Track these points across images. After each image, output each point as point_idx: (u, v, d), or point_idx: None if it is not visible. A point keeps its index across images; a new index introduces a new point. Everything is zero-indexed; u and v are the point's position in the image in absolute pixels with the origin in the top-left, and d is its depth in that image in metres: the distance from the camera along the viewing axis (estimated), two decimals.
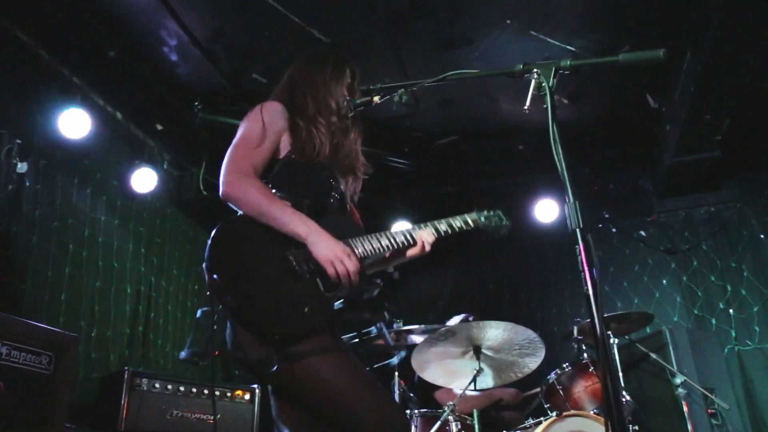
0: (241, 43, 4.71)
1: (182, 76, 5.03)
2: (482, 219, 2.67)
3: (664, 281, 6.04)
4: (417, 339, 4.06)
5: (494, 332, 3.68)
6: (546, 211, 5.96)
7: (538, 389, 4.30)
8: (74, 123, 4.54)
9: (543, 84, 1.81)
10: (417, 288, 6.72)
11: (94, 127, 4.69)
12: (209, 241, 2.13)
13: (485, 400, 4.52)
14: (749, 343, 5.53)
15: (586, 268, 1.48)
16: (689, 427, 4.45)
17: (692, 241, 6.06)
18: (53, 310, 4.35)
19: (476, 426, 3.66)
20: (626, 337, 4.81)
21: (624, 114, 5.57)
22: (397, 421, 2.11)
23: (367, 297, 2.35)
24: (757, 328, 5.54)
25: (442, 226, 2.56)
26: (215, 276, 2.06)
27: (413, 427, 3.90)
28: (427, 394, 4.84)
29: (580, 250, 1.51)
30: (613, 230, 6.31)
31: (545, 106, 1.76)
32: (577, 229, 1.55)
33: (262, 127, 2.34)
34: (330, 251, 2.18)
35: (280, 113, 2.42)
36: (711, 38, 4.07)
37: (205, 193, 5.58)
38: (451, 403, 3.65)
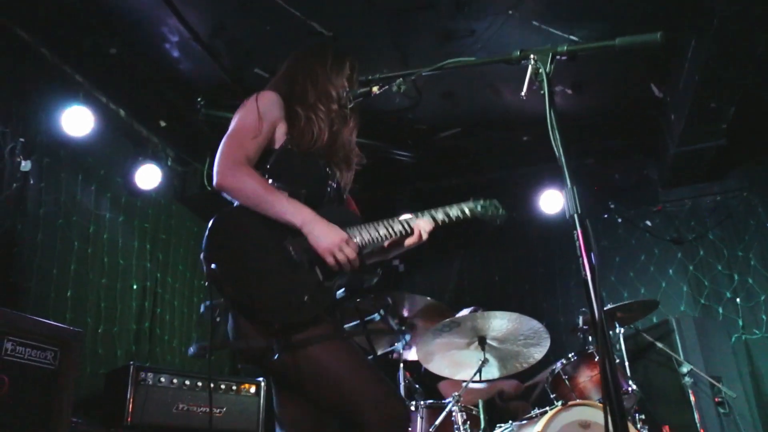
0: (242, 38, 4.71)
1: (184, 72, 5.04)
2: (478, 208, 2.67)
3: (671, 271, 6.02)
4: (420, 323, 4.08)
5: (499, 323, 3.67)
6: (551, 201, 5.95)
7: (540, 377, 4.29)
8: (77, 121, 4.55)
9: (540, 70, 1.80)
10: (422, 281, 6.72)
11: (97, 125, 4.70)
12: (206, 232, 2.12)
13: (486, 391, 4.53)
14: (756, 331, 5.51)
15: (584, 254, 1.47)
16: (696, 415, 4.45)
17: (698, 231, 6.04)
18: (59, 307, 4.38)
19: (481, 416, 3.66)
20: (632, 326, 4.80)
21: (628, 104, 5.54)
22: (396, 409, 2.12)
23: (367, 285, 2.34)
24: (764, 317, 5.52)
25: (439, 215, 2.55)
26: (213, 266, 2.06)
27: (419, 418, 3.91)
28: (433, 386, 4.86)
29: (578, 236, 1.51)
30: (619, 220, 6.29)
31: (542, 92, 1.75)
32: (575, 215, 1.55)
33: (257, 117, 2.33)
34: (328, 239, 2.18)
35: (276, 103, 2.41)
36: (715, 26, 4.04)
37: (209, 188, 5.59)
38: (456, 394, 3.66)
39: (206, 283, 2.11)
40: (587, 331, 4.47)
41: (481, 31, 4.59)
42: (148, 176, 5.18)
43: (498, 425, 4.15)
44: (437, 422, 3.57)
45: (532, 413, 3.90)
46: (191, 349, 2.20)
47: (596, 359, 4.23)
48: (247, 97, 2.45)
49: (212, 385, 4.21)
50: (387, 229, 2.41)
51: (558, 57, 1.84)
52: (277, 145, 2.40)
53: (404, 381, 4.18)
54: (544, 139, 1.73)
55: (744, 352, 5.46)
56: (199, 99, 5.15)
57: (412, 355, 4.22)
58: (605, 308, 4.41)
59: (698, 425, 4.45)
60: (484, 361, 3.69)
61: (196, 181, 5.75)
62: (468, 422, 3.72)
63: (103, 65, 4.75)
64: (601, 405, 3.73)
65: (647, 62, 5.01)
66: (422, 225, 2.47)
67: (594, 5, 4.40)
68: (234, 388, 4.35)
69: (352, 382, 2.11)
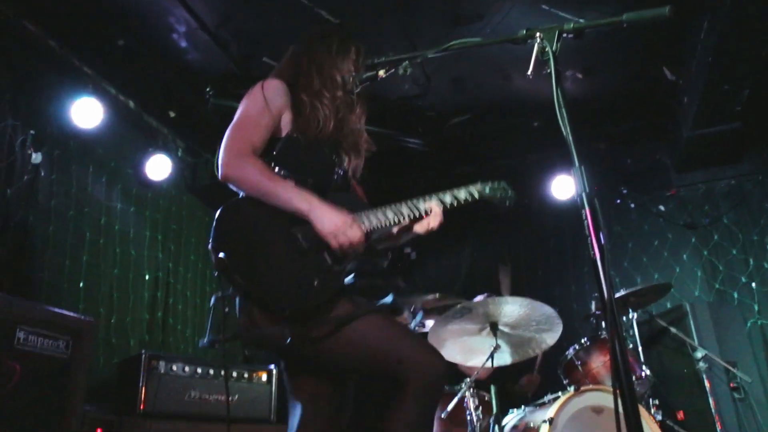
0: (250, 27, 4.69)
1: (192, 63, 5.03)
2: (487, 190, 2.62)
3: (685, 256, 5.97)
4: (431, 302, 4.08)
5: (511, 308, 3.65)
6: (562, 187, 5.91)
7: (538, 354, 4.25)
8: (87, 112, 4.57)
9: (546, 49, 1.78)
10: (434, 268, 6.70)
11: (107, 116, 4.72)
12: (214, 222, 2.14)
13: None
14: None
15: (592, 233, 1.45)
16: (711, 401, 4.42)
17: (713, 215, 5.97)
18: (72, 297, 4.40)
19: (494, 402, 3.65)
20: (646, 311, 4.76)
21: (640, 87, 5.48)
22: (438, 370, 2.13)
23: (378, 269, 2.34)
24: None
25: (447, 198, 2.50)
26: (221, 255, 2.06)
27: None
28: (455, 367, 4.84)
29: (586, 215, 1.48)
30: (632, 206, 6.23)
31: (549, 69, 1.72)
32: (583, 194, 1.52)
33: (262, 106, 2.33)
34: (331, 224, 2.17)
35: (281, 91, 2.40)
36: (728, 7, 3.98)
37: (220, 178, 5.58)
38: (468, 380, 3.65)
39: (216, 274, 2.12)
40: (600, 317, 4.45)
41: (490, 16, 4.55)
42: (158, 167, 5.20)
43: (510, 410, 4.15)
44: (449, 408, 3.56)
45: (545, 399, 3.90)
46: (203, 341, 2.21)
47: (609, 349, 4.21)
48: (253, 85, 2.45)
49: (223, 372, 4.22)
50: (395, 214, 2.39)
51: (564, 35, 1.81)
52: (282, 134, 2.39)
53: None
54: (555, 124, 1.70)
55: (759, 337, 5.41)
56: (207, 89, 5.14)
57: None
58: (618, 295, 4.41)
59: (713, 410, 4.41)
60: (496, 347, 3.67)
61: (206, 172, 5.75)
62: (480, 408, 3.71)
63: (111, 57, 4.75)
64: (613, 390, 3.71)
65: (659, 45, 4.94)
66: (431, 208, 2.44)
67: None
68: (246, 375, 4.37)
69: (393, 346, 2.13)
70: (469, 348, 3.91)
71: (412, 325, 2.52)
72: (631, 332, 4.55)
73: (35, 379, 3.03)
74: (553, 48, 1.77)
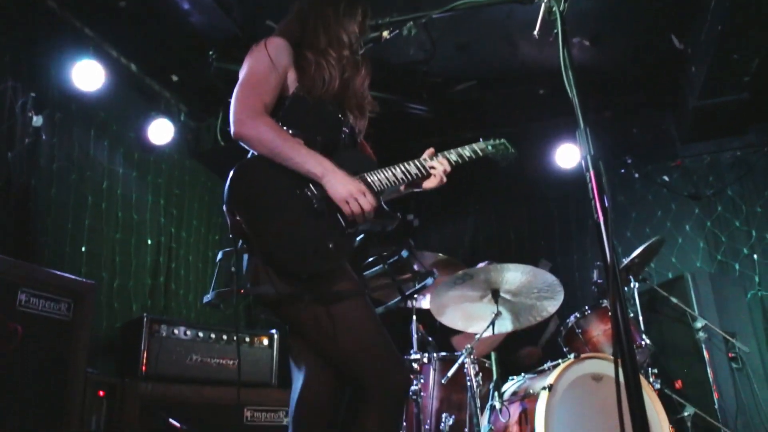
0: None
1: (195, 25, 4.95)
2: (489, 148, 2.70)
3: (688, 227, 5.95)
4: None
5: (513, 275, 3.64)
6: (567, 156, 5.87)
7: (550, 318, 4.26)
8: (88, 75, 4.52)
9: (553, 8, 1.74)
10: (437, 235, 6.70)
11: (109, 79, 4.67)
12: (227, 183, 2.11)
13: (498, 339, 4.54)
14: None
15: (596, 196, 1.43)
16: (709, 370, 4.44)
17: (717, 186, 5.94)
18: (74, 261, 4.41)
19: (494, 369, 3.66)
20: (647, 282, 4.76)
21: (648, 56, 5.40)
22: (399, 381, 2.18)
23: (387, 230, 2.34)
24: None
25: (453, 156, 2.57)
26: (238, 217, 2.05)
27: (432, 370, 3.92)
28: (447, 340, 4.87)
29: (590, 177, 1.46)
30: (636, 175, 6.20)
31: (555, 30, 1.68)
32: (588, 156, 1.50)
33: (268, 63, 2.30)
34: (345, 190, 2.17)
35: (285, 49, 2.38)
36: None
37: (222, 143, 5.56)
38: (469, 346, 3.65)
39: (231, 235, 2.12)
40: (602, 286, 4.45)
41: None
42: (160, 131, 5.16)
43: (510, 377, 4.17)
44: (450, 374, 3.58)
45: (545, 366, 3.91)
46: (207, 297, 2.20)
47: (610, 313, 4.21)
48: (255, 44, 2.41)
49: (225, 337, 4.24)
50: (403, 172, 2.41)
51: None
52: (288, 93, 2.37)
53: (417, 333, 4.19)
54: (560, 93, 1.68)
55: (759, 308, 5.42)
56: (210, 52, 5.07)
57: (425, 303, 4.23)
58: (620, 265, 4.40)
59: (711, 380, 4.44)
60: (497, 314, 3.67)
61: (209, 136, 5.71)
62: (480, 374, 3.72)
63: (112, 19, 4.69)
64: (613, 358, 3.72)
65: (668, 12, 4.86)
66: (438, 166, 2.48)
67: None
68: (247, 340, 4.39)
69: (365, 346, 2.16)
70: (470, 315, 3.92)
71: (430, 280, 2.56)
72: (632, 301, 4.55)
73: (37, 341, 3.04)
74: (560, 7, 1.73)
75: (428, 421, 3.79)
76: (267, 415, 4.17)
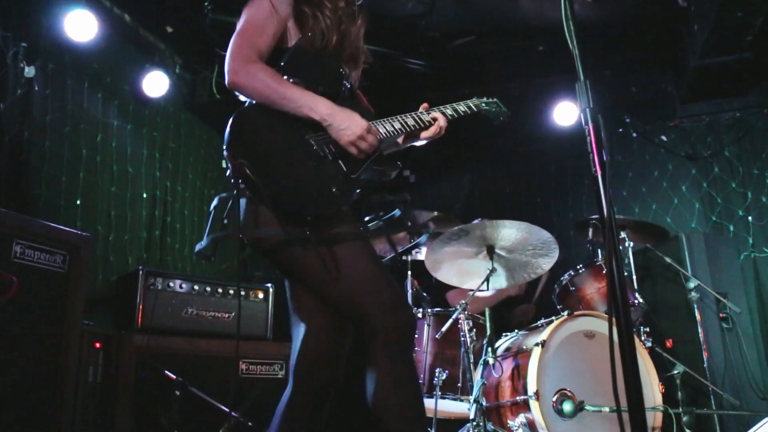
0: None
1: None
2: (483, 105, 2.74)
3: (684, 187, 5.95)
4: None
5: (508, 232, 3.64)
6: (565, 113, 5.83)
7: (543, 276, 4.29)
8: (81, 25, 4.41)
9: None
10: (433, 191, 6.69)
11: (102, 30, 4.57)
12: (228, 128, 2.09)
13: (495, 297, 4.57)
14: (766, 250, 5.49)
15: (594, 149, 1.41)
16: (699, 330, 4.48)
17: (715, 147, 5.92)
18: (69, 214, 4.38)
19: (488, 325, 3.69)
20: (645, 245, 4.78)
21: (650, 14, 5.32)
22: (404, 318, 2.17)
23: (387, 178, 2.36)
24: None
25: (449, 111, 2.59)
26: (241, 160, 2.03)
27: (426, 326, 3.95)
28: (441, 295, 4.90)
29: (589, 130, 1.44)
30: (634, 135, 6.17)
31: None
32: (587, 109, 1.48)
33: (268, 13, 2.27)
34: (350, 131, 2.18)
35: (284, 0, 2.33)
36: None
37: (218, 96, 5.49)
38: (463, 302, 3.67)
39: (231, 180, 2.10)
40: (596, 244, 4.46)
41: None
42: (155, 84, 5.08)
43: (504, 334, 4.21)
44: (444, 329, 3.61)
45: (538, 323, 3.94)
46: (201, 243, 2.18)
47: (604, 271, 4.23)
48: None
49: (220, 290, 4.25)
50: (402, 124, 2.42)
51: None
52: (288, 44, 2.34)
53: (412, 289, 4.21)
54: (560, 49, 1.65)
55: (752, 269, 5.46)
56: (206, 3, 4.97)
57: (421, 256, 4.24)
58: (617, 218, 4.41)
59: (701, 339, 4.49)
60: (492, 271, 3.68)
61: (205, 89, 5.64)
62: (474, 330, 3.75)
63: None
64: (606, 316, 3.75)
65: None
66: (437, 118, 2.51)
67: None
68: (243, 293, 4.41)
69: (366, 286, 2.15)
70: (465, 271, 3.93)
71: (424, 238, 2.59)
72: (626, 261, 4.57)
73: (33, 293, 3.03)
74: None
75: (422, 375, 3.84)
76: (262, 368, 4.21)
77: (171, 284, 4.07)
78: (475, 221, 3.75)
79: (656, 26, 5.47)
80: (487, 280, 3.67)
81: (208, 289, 4.21)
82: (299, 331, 2.32)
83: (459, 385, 3.81)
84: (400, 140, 2.57)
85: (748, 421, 3.93)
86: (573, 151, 6.18)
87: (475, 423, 3.28)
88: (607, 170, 1.40)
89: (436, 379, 3.72)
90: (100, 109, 4.82)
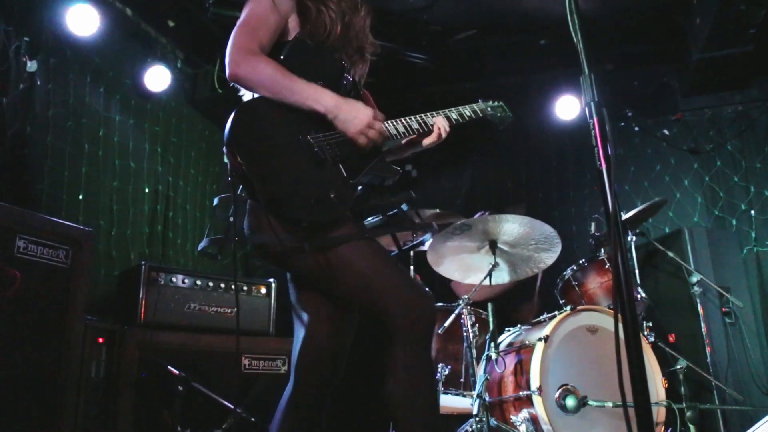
0: None
1: None
2: (488, 109, 2.71)
3: (686, 181, 5.93)
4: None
5: (511, 226, 3.63)
6: (567, 108, 5.81)
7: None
8: (82, 20, 4.40)
9: None
10: (434, 186, 6.67)
11: (104, 24, 4.56)
12: (229, 124, 2.05)
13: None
14: None
15: (599, 143, 1.40)
16: (702, 324, 4.47)
17: (717, 141, 5.89)
18: (72, 209, 4.37)
19: (491, 319, 3.68)
20: (644, 236, 4.76)
21: (651, 7, 5.29)
22: (423, 308, 2.12)
23: (388, 183, 2.32)
24: None
25: (453, 114, 2.56)
26: (239, 159, 2.00)
27: None
28: (447, 284, 4.88)
29: (593, 124, 1.43)
30: (636, 129, 6.15)
31: None
32: (591, 103, 1.46)
33: (269, 6, 2.24)
34: (356, 121, 2.16)
35: None
36: None
37: (220, 91, 5.48)
38: (466, 296, 3.67)
39: (230, 178, 2.06)
40: (599, 238, 4.45)
41: None
42: (157, 78, 5.07)
43: (507, 328, 4.20)
44: (446, 324, 3.60)
45: (541, 318, 3.93)
46: (202, 244, 2.17)
47: (607, 266, 4.22)
48: None
49: (223, 285, 4.24)
50: (405, 127, 2.38)
51: None
52: (290, 37, 2.31)
53: None
54: (562, 43, 1.64)
55: (754, 263, 5.44)
56: None
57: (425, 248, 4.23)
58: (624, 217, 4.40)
59: (704, 334, 4.47)
60: (495, 265, 3.67)
61: (206, 84, 5.62)
62: (477, 325, 3.75)
63: None
64: (609, 311, 3.74)
65: None
66: (440, 123, 2.47)
67: None
68: (245, 288, 4.40)
69: (380, 281, 2.11)
70: (467, 265, 3.92)
71: (429, 236, 2.58)
72: (628, 255, 4.55)
73: (36, 288, 3.03)
74: None
75: None
76: (265, 363, 4.20)
77: (173, 279, 4.07)
78: (478, 215, 3.74)
79: (658, 19, 5.43)
80: (489, 274, 3.66)
81: (211, 284, 4.21)
82: (300, 327, 2.32)
83: (462, 380, 3.81)
84: (403, 142, 2.55)
85: (752, 417, 3.92)
86: (575, 145, 6.17)
87: (478, 418, 3.27)
88: (613, 165, 1.38)
89: (438, 374, 3.71)
90: (102, 103, 4.80)
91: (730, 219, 5.67)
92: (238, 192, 2.16)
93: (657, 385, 3.62)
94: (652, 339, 4.04)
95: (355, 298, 2.21)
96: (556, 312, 3.82)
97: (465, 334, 3.73)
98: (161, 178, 5.24)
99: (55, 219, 3.28)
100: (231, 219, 2.18)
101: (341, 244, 2.11)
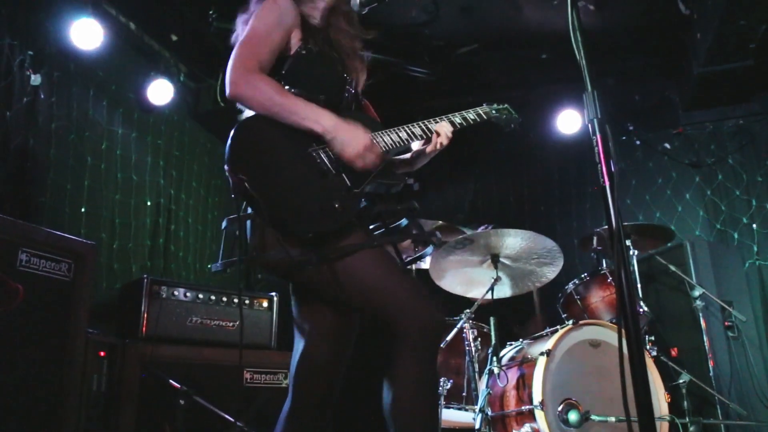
0: None
1: None
2: (493, 112, 2.69)
3: (688, 195, 5.93)
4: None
5: (513, 241, 3.64)
6: (569, 122, 5.83)
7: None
8: (86, 34, 4.43)
9: None
10: (437, 199, 6.68)
11: (107, 38, 4.59)
12: (229, 142, 2.07)
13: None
14: None
15: (602, 159, 1.41)
16: (705, 338, 4.46)
17: (718, 155, 5.91)
18: (74, 222, 4.39)
19: (492, 334, 3.68)
20: (649, 251, 4.77)
21: (652, 21, 5.33)
22: (432, 318, 2.10)
23: (393, 192, 2.33)
24: None
25: (457, 119, 2.55)
26: (241, 176, 2.01)
27: None
28: (448, 303, 4.88)
29: (597, 141, 1.44)
30: (637, 143, 6.16)
31: None
32: (594, 120, 1.47)
33: (272, 23, 2.26)
34: (351, 147, 2.15)
35: (291, 9, 2.34)
36: None
37: (222, 105, 5.51)
38: (468, 311, 3.67)
39: (233, 196, 2.07)
40: (601, 252, 4.45)
41: None
42: (160, 92, 5.09)
43: (509, 343, 4.19)
44: (448, 338, 3.60)
45: (543, 332, 3.93)
46: (216, 265, 2.17)
47: (609, 280, 4.22)
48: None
49: (225, 299, 4.24)
50: (408, 133, 2.39)
51: None
52: (292, 51, 2.33)
53: None
54: (563, 57, 1.65)
55: (756, 277, 5.43)
56: (211, 12, 4.99)
57: (425, 265, 4.24)
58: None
59: (706, 348, 4.46)
60: (497, 279, 3.68)
61: (209, 98, 5.66)
62: (479, 339, 3.75)
63: None
64: (611, 325, 3.74)
65: None
66: (443, 128, 2.46)
67: None
68: (247, 302, 4.40)
69: (389, 290, 2.10)
70: (469, 279, 3.93)
71: (430, 250, 2.57)
72: (630, 269, 4.55)
73: (38, 301, 3.03)
74: None
75: None
76: (266, 377, 4.20)
77: (175, 293, 4.07)
78: (481, 229, 3.75)
79: (659, 34, 5.47)
80: (491, 288, 3.66)
81: (213, 297, 4.21)
82: (300, 340, 2.31)
83: (464, 394, 3.80)
84: (409, 155, 2.57)
85: None
86: (576, 159, 6.18)
87: None
88: (616, 181, 1.39)
89: (440, 388, 3.71)
90: (105, 116, 4.83)
91: (732, 232, 5.67)
92: (245, 209, 2.16)
93: (660, 400, 3.61)
94: (654, 353, 4.03)
95: (362, 307, 2.20)
96: (558, 326, 3.81)
97: (467, 348, 3.73)
98: (163, 192, 5.26)
99: (58, 232, 3.28)
100: (237, 233, 2.18)
101: (348, 254, 2.10)
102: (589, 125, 1.49)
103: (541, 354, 3.52)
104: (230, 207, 2.16)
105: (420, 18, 5.10)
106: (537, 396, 3.40)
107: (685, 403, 3.85)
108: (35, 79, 4.23)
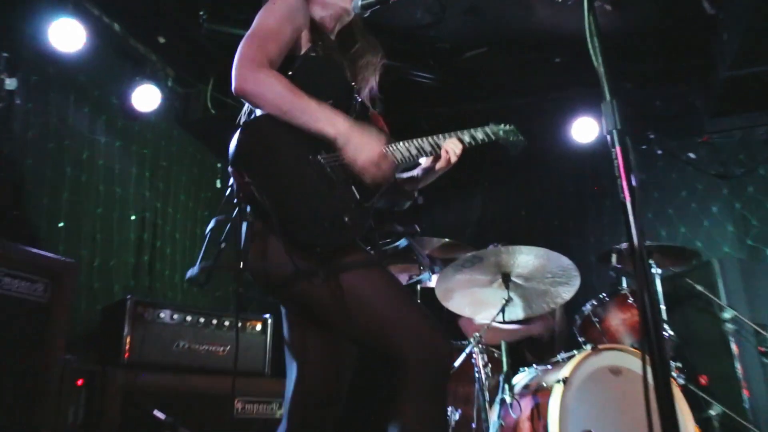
0: None
1: None
2: (501, 132, 2.71)
3: (715, 209, 5.91)
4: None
5: (525, 259, 3.61)
6: (584, 130, 5.83)
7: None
8: (67, 35, 4.45)
9: None
10: (443, 214, 6.67)
11: (90, 40, 4.60)
12: (235, 142, 2.05)
13: (511, 333, 4.52)
14: None
15: (623, 174, 1.39)
16: (738, 365, 4.41)
17: (748, 165, 5.90)
18: (52, 238, 4.38)
19: (504, 359, 3.64)
20: (670, 268, 4.73)
21: (675, 22, 5.32)
22: (438, 347, 2.06)
23: (400, 208, 2.34)
24: None
25: (465, 137, 2.56)
26: (247, 178, 1.99)
27: None
28: (453, 323, 4.86)
29: (616, 154, 1.42)
30: (659, 152, 6.13)
31: None
32: (614, 131, 1.46)
33: (283, 17, 2.26)
34: (364, 155, 2.15)
35: (302, 8, 2.35)
36: None
37: (213, 112, 5.52)
38: (478, 334, 3.64)
39: (236, 200, 2.05)
40: (620, 271, 4.42)
41: None
42: (146, 98, 5.11)
43: (521, 369, 4.16)
44: (456, 364, 3.57)
45: (558, 357, 3.89)
46: (193, 270, 2.14)
47: (630, 300, 4.19)
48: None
49: (215, 321, 4.22)
50: (417, 149, 2.39)
51: None
52: (301, 52, 2.34)
53: None
54: (578, 61, 1.64)
55: None
56: (201, 12, 5.00)
57: (431, 283, 4.21)
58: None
59: (740, 376, 4.40)
60: (508, 300, 3.65)
61: (199, 104, 5.67)
62: (489, 365, 3.71)
63: None
64: (634, 350, 3.70)
65: None
66: (451, 146, 2.48)
67: None
68: (239, 324, 4.37)
69: (392, 314, 2.07)
70: (478, 300, 3.90)
71: (426, 276, 2.56)
72: (654, 290, 4.52)
73: (10, 325, 3.01)
74: None
75: None
76: (259, 407, 4.16)
77: (161, 315, 4.04)
78: (490, 247, 3.73)
79: (681, 35, 5.46)
80: (502, 310, 3.64)
81: (202, 320, 4.18)
82: (293, 367, 2.29)
83: (474, 425, 3.76)
84: (419, 172, 2.59)
85: None
86: (593, 169, 6.17)
87: None
88: (637, 197, 1.38)
89: (448, 419, 3.67)
90: (86, 124, 4.83)
91: (764, 249, 5.64)
92: (243, 213, 2.13)
93: None
94: (682, 381, 3.98)
95: (362, 333, 2.13)
96: (575, 351, 3.78)
97: (476, 374, 3.69)
98: (149, 205, 5.25)
99: (33, 249, 3.27)
100: (223, 245, 2.15)
101: (351, 272, 2.08)
102: (608, 137, 1.48)
103: (558, 382, 3.48)
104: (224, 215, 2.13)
105: (425, 20, 5.10)
106: (553, 428, 3.36)
107: None
108: (10, 84, 4.22)
